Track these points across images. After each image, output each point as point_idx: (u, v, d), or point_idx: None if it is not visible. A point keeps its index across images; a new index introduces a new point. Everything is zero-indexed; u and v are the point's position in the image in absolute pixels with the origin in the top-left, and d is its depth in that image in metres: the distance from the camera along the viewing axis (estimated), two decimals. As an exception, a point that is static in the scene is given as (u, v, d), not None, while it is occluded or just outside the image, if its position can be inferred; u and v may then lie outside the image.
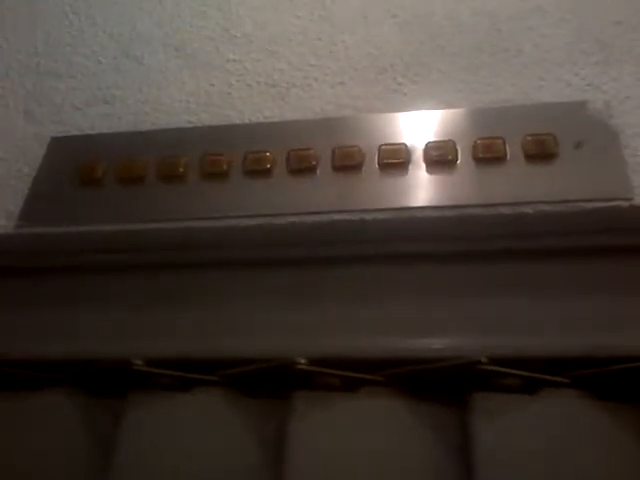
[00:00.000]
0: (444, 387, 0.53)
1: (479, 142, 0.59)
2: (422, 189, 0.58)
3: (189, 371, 0.56)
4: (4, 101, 0.75)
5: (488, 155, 0.58)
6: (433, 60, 0.68)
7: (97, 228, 0.62)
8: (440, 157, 0.59)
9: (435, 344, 0.53)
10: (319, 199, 0.59)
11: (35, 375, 0.59)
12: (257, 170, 0.62)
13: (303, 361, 0.53)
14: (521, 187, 0.56)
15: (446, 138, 0.60)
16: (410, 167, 0.59)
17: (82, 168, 0.65)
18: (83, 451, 0.56)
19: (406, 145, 0.60)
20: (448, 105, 0.64)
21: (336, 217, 0.58)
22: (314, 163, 0.61)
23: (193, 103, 0.70)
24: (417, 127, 0.62)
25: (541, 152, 0.58)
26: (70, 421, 0.58)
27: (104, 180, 0.64)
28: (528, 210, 0.55)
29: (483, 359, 0.50)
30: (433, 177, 0.59)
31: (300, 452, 0.51)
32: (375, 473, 0.50)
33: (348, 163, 0.60)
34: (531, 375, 0.51)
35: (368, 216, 0.58)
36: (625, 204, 0.54)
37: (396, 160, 0.60)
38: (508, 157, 0.58)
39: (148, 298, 0.61)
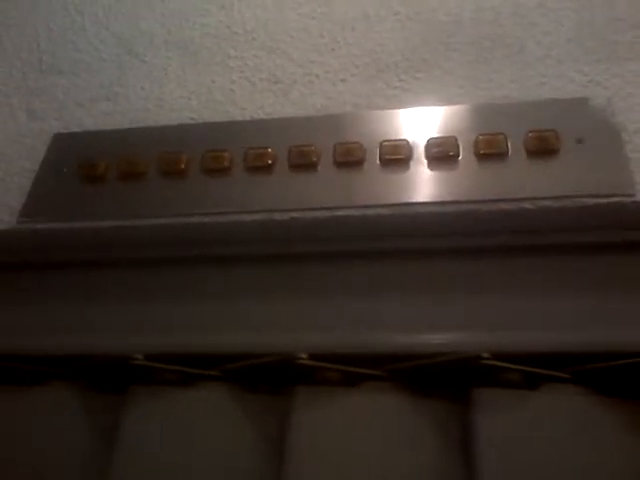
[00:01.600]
0: (446, 382, 0.53)
1: (481, 138, 0.59)
2: (424, 185, 0.58)
3: (190, 366, 0.56)
4: (6, 98, 0.75)
5: (490, 151, 0.58)
6: (435, 57, 0.68)
7: (99, 224, 0.62)
8: (442, 153, 0.59)
9: (437, 339, 0.53)
10: (320, 195, 0.59)
11: (36, 370, 0.59)
12: (258, 166, 0.62)
13: (304, 356, 0.53)
14: (523, 183, 0.56)
15: (448, 134, 0.60)
16: (411, 163, 0.59)
17: (84, 164, 0.66)
18: (84, 445, 0.56)
19: (407, 141, 0.60)
20: (450, 102, 0.64)
21: (338, 213, 0.58)
22: (315, 159, 0.61)
23: (195, 100, 0.70)
24: (418, 123, 0.62)
25: (543, 148, 0.57)
26: (71, 416, 0.58)
27: (106, 176, 0.64)
28: (529, 206, 0.55)
29: (485, 354, 0.50)
30: (435, 173, 0.59)
31: (302, 447, 0.51)
32: (377, 468, 0.50)
33: (350, 159, 0.60)
34: (532, 370, 0.51)
35: (370, 212, 0.58)
36: (627, 200, 0.54)
37: (397, 156, 0.60)
38: (510, 153, 0.58)
39: (149, 293, 0.61)
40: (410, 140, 0.60)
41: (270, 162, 0.62)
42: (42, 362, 0.59)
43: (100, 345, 0.58)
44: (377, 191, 0.59)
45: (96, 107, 0.72)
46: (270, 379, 0.56)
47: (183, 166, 0.63)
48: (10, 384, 0.60)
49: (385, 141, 0.61)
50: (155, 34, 0.78)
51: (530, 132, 0.58)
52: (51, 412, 0.58)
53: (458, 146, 0.59)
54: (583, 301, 0.53)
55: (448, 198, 0.57)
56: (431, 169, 0.59)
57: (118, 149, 0.66)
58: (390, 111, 0.64)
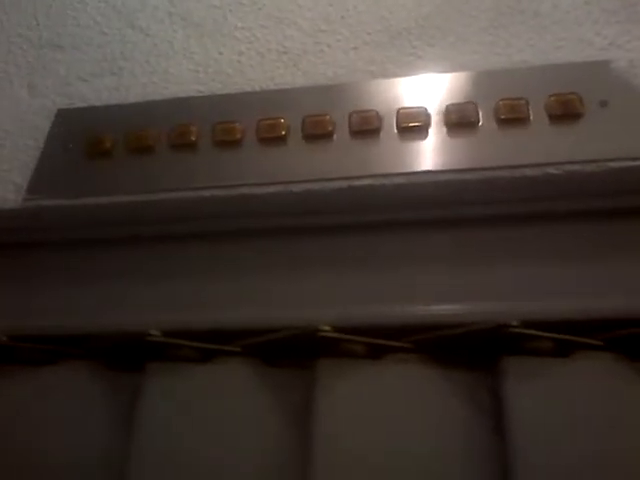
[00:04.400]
0: (474, 352, 0.52)
1: (501, 103, 0.57)
2: (443, 152, 0.57)
3: (209, 342, 0.54)
4: (7, 76, 0.73)
5: (511, 116, 0.57)
6: (449, 23, 0.66)
7: (108, 200, 0.60)
8: (461, 119, 0.57)
9: (464, 309, 0.52)
10: (337, 165, 0.58)
11: (51, 350, 0.57)
12: (271, 137, 0.60)
13: (327, 328, 0.52)
14: (546, 148, 0.55)
15: (466, 100, 0.59)
16: (430, 130, 0.58)
17: (90, 140, 0.64)
18: (102, 424, 0.55)
19: (425, 108, 0.59)
20: (466, 68, 0.62)
21: (355, 183, 0.57)
22: (330, 129, 0.59)
23: (202, 72, 0.68)
24: (436, 90, 0.60)
25: (566, 112, 0.56)
26: (89, 395, 0.56)
27: (113, 151, 0.63)
28: (555, 171, 0.53)
29: (514, 322, 0.49)
30: (454, 140, 0.57)
31: (327, 421, 0.50)
32: (405, 441, 0.49)
33: (366, 128, 0.59)
34: (563, 338, 0.49)
35: (388, 181, 0.56)
36: (654, 162, 0.52)
37: (415, 123, 0.58)
38: (531, 118, 0.56)
39: (164, 269, 0.59)
40: (428, 107, 0.59)
41: (283, 133, 0.60)
42: (57, 342, 0.58)
43: (116, 322, 0.56)
44: (395, 160, 0.57)
45: (100, 82, 0.70)
46: (292, 353, 0.55)
47: (193, 138, 0.61)
48: (25, 364, 0.58)
49: (402, 109, 0.59)
50: (158, 7, 0.75)
51: (552, 96, 0.57)
52: (67, 392, 0.56)
53: (478, 112, 0.58)
54: (613, 266, 0.52)
55: (469, 165, 0.56)
56: (450, 136, 0.57)
57: (125, 123, 0.64)
58: (406, 78, 0.62)
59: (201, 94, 0.66)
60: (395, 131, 0.58)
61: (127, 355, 0.57)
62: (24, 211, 0.61)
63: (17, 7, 0.80)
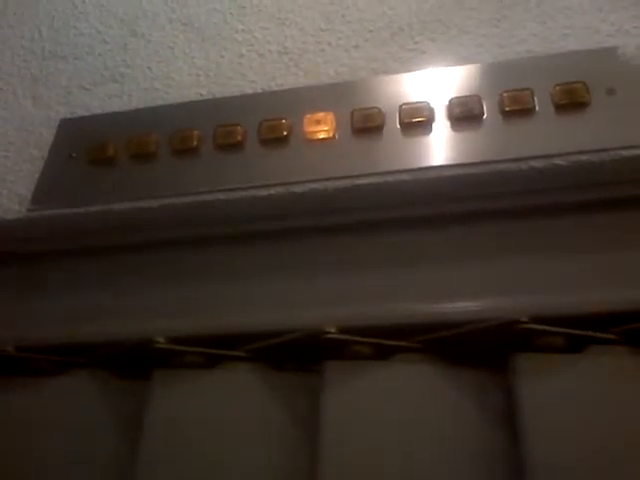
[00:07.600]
0: (484, 351, 0.51)
1: (505, 95, 0.56)
2: (448, 147, 0.56)
3: (214, 347, 0.53)
4: (11, 87, 0.74)
5: (516, 107, 0.55)
6: (451, 16, 0.65)
7: (111, 207, 0.60)
8: (465, 113, 0.56)
9: (472, 306, 0.51)
10: (340, 164, 0.57)
11: (59, 360, 0.57)
12: (273, 138, 0.59)
13: (333, 330, 0.51)
14: (553, 138, 0.53)
15: (470, 93, 0.57)
16: (434, 125, 0.57)
17: (93, 148, 0.63)
18: (111, 433, 0.54)
19: (428, 103, 0.58)
20: (469, 61, 0.61)
21: (359, 182, 0.56)
22: (332, 127, 0.58)
23: (203, 76, 0.68)
24: (439, 84, 0.59)
25: (572, 101, 0.55)
26: (97, 404, 0.56)
27: (116, 158, 0.62)
28: (562, 162, 0.52)
29: (523, 318, 0.48)
30: (459, 134, 0.56)
31: (334, 425, 0.49)
32: (415, 442, 0.48)
33: (368, 125, 0.58)
34: (575, 333, 0.48)
35: (392, 178, 0.55)
36: (666, 150, 0.51)
37: (418, 119, 0.57)
38: (537, 108, 0.55)
39: (168, 275, 0.59)
40: (431, 102, 0.58)
41: (285, 133, 0.59)
42: (63, 351, 0.57)
43: (120, 330, 0.56)
44: (399, 156, 0.56)
45: (102, 90, 0.70)
46: (298, 356, 0.54)
47: (195, 143, 0.61)
48: (32, 375, 0.57)
49: (405, 104, 0.58)
50: (158, 13, 0.76)
51: (557, 85, 0.55)
52: (74, 402, 0.56)
53: (482, 105, 0.56)
54: (625, 257, 0.50)
55: (475, 159, 0.54)
56: (455, 130, 0.56)
57: (127, 130, 0.64)
58: (408, 74, 0.61)
59: (202, 98, 0.66)
60: (398, 127, 0.57)
61: (133, 363, 0.56)
62: (29, 221, 0.61)
63: (21, 20, 0.80)
